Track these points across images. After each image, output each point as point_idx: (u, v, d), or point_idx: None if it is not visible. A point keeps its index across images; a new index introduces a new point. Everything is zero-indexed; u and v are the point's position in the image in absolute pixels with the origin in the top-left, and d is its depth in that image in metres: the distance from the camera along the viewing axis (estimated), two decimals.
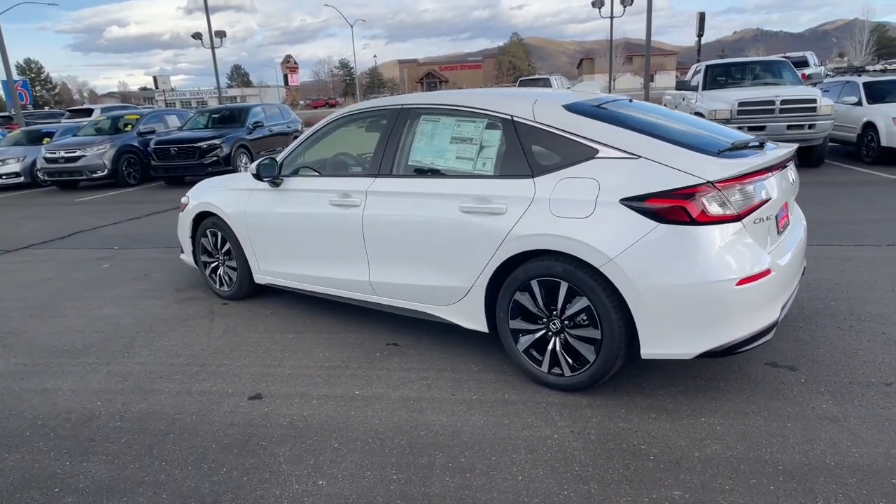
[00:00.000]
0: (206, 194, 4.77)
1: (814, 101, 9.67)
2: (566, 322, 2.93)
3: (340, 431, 2.79)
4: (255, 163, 4.17)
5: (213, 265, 4.88)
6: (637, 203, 2.66)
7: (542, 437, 2.65)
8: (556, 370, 3.01)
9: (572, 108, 3.09)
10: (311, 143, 4.14)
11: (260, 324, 4.25)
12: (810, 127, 9.63)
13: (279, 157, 4.21)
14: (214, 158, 12.33)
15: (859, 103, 10.60)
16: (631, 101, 3.63)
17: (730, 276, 2.55)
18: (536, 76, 27.57)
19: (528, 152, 3.05)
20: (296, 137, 15.70)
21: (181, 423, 2.94)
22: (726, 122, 9.90)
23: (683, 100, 12.52)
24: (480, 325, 3.27)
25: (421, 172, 3.45)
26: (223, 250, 4.72)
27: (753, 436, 2.55)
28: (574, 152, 2.92)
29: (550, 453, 2.52)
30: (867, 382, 2.94)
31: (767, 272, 2.65)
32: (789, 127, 9.66)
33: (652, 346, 2.70)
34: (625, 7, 27.43)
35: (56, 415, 3.10)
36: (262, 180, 4.12)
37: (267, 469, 2.53)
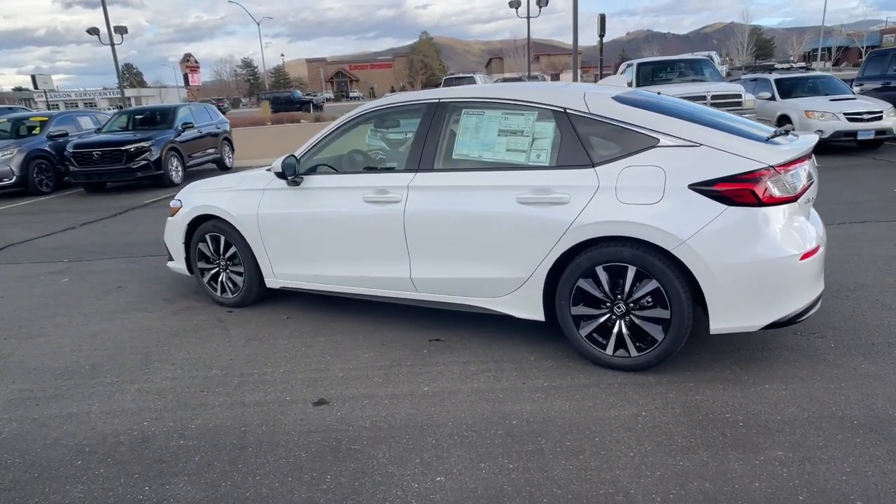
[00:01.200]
0: (204, 196, 4.50)
1: (739, 95, 10.53)
2: (631, 305, 3.06)
3: (431, 428, 2.76)
4: (279, 161, 4.00)
5: (212, 272, 4.61)
6: (706, 188, 2.83)
7: (631, 415, 2.76)
8: (620, 352, 3.13)
9: (622, 100, 3.23)
10: (332, 140, 4.02)
11: (282, 329, 4.08)
12: None
13: (296, 155, 4.06)
14: (144, 163, 11.51)
15: (773, 98, 11.64)
16: (659, 93, 3.82)
17: (794, 251, 2.79)
18: (461, 74, 27.95)
19: (585, 143, 3.15)
20: (227, 139, 15.23)
21: (253, 436, 2.78)
22: None
23: None
24: (537, 314, 3.33)
25: (467, 165, 3.46)
26: (226, 255, 4.47)
27: (818, 397, 2.80)
28: (634, 142, 3.05)
29: (647, 429, 2.64)
30: (888, 343, 3.29)
31: (819, 247, 2.91)
32: None
33: (721, 322, 2.88)
34: (540, 8, 28.41)
35: (102, 439, 2.83)
36: (287, 179, 3.94)
37: (375, 472, 2.46)
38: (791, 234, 2.82)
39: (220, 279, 4.59)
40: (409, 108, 3.79)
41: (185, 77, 76.98)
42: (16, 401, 3.27)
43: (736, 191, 2.78)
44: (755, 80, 12.80)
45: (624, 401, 2.88)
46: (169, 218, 4.78)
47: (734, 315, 2.86)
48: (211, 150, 13.84)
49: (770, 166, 2.79)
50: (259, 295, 4.47)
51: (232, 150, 14.86)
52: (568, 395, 2.97)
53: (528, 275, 3.27)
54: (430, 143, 3.56)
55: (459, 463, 2.49)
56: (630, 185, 2.97)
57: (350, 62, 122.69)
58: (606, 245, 3.03)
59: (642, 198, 2.92)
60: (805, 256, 2.81)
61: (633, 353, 3.10)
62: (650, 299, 3.00)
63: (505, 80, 26.06)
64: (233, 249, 4.41)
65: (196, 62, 79.84)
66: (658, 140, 3.00)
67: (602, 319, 3.14)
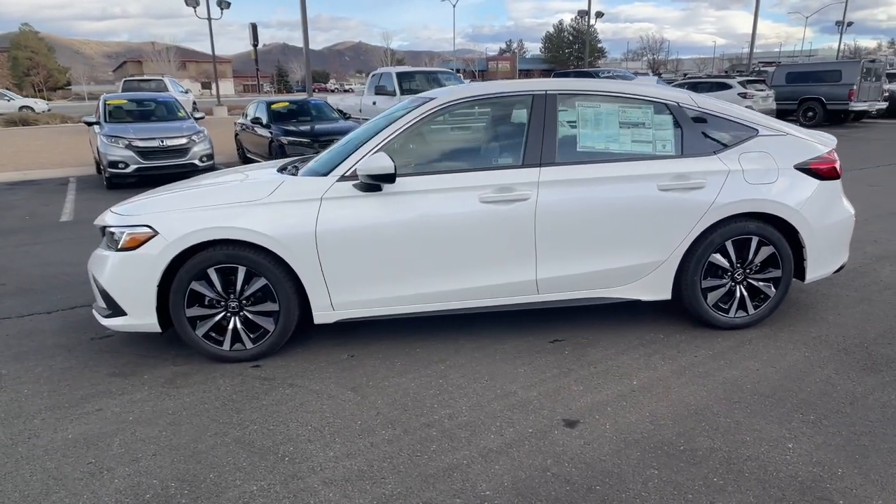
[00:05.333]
0: (205, 216, 3.23)
1: None
2: (748, 270, 3.60)
3: (710, 408, 2.79)
4: (362, 161, 3.19)
5: (215, 319, 3.37)
6: (805, 166, 3.55)
7: (811, 365, 3.30)
8: (740, 313, 3.64)
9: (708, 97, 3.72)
10: (408, 136, 3.43)
11: (378, 371, 3.31)
12: None
13: (360, 155, 3.33)
14: None
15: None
16: None
17: (853, 212, 3.73)
18: (147, 76, 24.08)
19: (702, 134, 3.53)
20: None
21: (584, 476, 2.35)
22: None
23: (374, 103, 13.56)
24: (665, 294, 3.59)
25: (595, 157, 3.45)
26: (245, 292, 3.34)
27: None
28: (741, 132, 3.58)
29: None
30: None
31: None
32: None
33: (814, 272, 3.66)
34: (222, 10, 26.62)
35: None
36: (378, 182, 3.20)
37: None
38: (848, 199, 3.78)
39: (229, 327, 3.39)
40: (506, 100, 3.53)
41: None
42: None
43: (825, 168, 3.58)
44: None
45: (783, 346, 3.41)
46: (119, 253, 3.28)
47: (821, 265, 3.67)
48: None
49: (833, 149, 3.68)
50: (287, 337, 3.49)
51: None
52: (753, 357, 3.32)
53: (667, 257, 3.50)
54: (547, 135, 3.42)
55: (825, 430, 2.63)
56: (752, 168, 3.49)
57: None
58: (735, 221, 3.49)
59: (764, 178, 3.48)
60: (853, 216, 3.80)
61: (751, 311, 3.64)
62: (763, 263, 3.58)
63: (143, 82, 23.55)
64: (259, 283, 3.32)
65: None
66: (758, 130, 3.60)
67: (727, 288, 3.60)
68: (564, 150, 3.44)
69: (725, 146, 3.55)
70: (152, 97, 12.31)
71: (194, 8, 26.42)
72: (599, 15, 32.80)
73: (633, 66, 70.88)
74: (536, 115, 3.45)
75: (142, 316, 3.33)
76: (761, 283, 3.62)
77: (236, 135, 13.81)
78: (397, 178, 3.27)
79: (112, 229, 3.38)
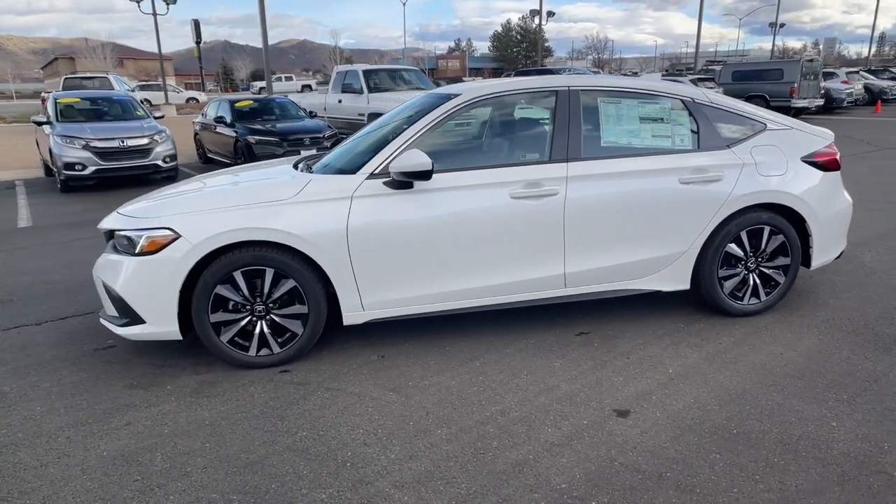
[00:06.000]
0: (230, 216, 3.10)
1: None
2: (760, 259, 3.74)
3: (767, 388, 2.88)
4: (395, 158, 3.14)
5: (241, 324, 3.25)
6: (810, 158, 3.72)
7: (828, 347, 3.47)
8: (753, 300, 3.79)
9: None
10: (432, 132, 3.39)
11: (414, 370, 3.26)
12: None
13: (389, 152, 3.28)
14: None
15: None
16: None
17: (851, 201, 3.94)
18: (90, 74, 22.84)
19: (716, 128, 3.65)
20: None
21: (651, 464, 2.39)
22: None
23: (340, 101, 13.36)
24: (684, 284, 3.69)
25: (618, 152, 3.51)
26: (272, 295, 3.23)
27: None
28: (750, 126, 3.72)
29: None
30: None
31: None
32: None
33: (819, 259, 3.84)
34: (168, 5, 25.62)
35: None
36: (411, 180, 3.15)
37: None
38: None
39: (256, 331, 3.27)
40: (532, 96, 3.55)
41: None
42: None
43: (828, 160, 3.77)
44: None
45: (797, 330, 3.56)
46: (137, 258, 3.11)
47: (825, 252, 3.86)
48: None
49: (832, 142, 3.87)
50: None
51: None
52: (765, 341, 3.46)
53: (687, 248, 3.60)
54: (573, 131, 3.46)
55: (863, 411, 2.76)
56: (763, 161, 3.63)
57: None
58: (750, 212, 3.62)
59: (775, 170, 3.63)
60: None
61: (764, 297, 3.79)
62: (774, 252, 3.73)
63: (86, 79, 22.61)
64: (287, 285, 3.22)
65: None
66: (765, 125, 3.75)
67: (741, 276, 3.74)
68: (589, 145, 3.49)
69: (738, 140, 3.68)
70: (107, 95, 11.72)
71: (138, 3, 25.31)
72: (551, 14, 33.37)
73: (578, 64, 72.53)
74: (561, 110, 3.48)
75: (162, 323, 3.18)
76: (772, 271, 3.78)
77: (196, 134, 13.33)
78: None
79: (125, 233, 3.21)
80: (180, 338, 3.23)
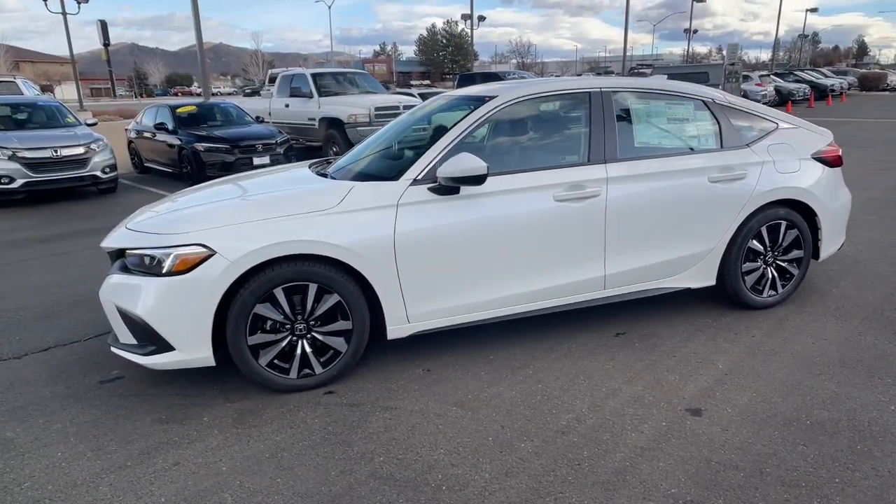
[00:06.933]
0: (272, 229, 2.86)
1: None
2: (776, 253, 3.89)
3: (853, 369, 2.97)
4: (445, 163, 3.00)
5: (281, 345, 3.01)
6: (818, 155, 3.91)
7: (852, 334, 3.63)
8: (771, 292, 3.93)
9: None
10: (471, 135, 3.29)
11: (467, 383, 3.14)
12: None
13: (431, 157, 3.15)
14: None
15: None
16: None
17: (850, 195, 4.17)
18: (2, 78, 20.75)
19: (735, 127, 3.76)
20: None
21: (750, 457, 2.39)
22: (367, 124, 11.19)
23: (287, 106, 12.88)
24: (710, 280, 3.78)
25: (649, 152, 3.54)
26: (317, 312, 3.02)
27: None
28: (764, 125, 3.86)
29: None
30: None
31: None
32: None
33: (826, 250, 4.04)
34: (80, 4, 23.91)
35: None
36: (459, 185, 3.03)
37: None
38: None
39: (297, 352, 3.04)
40: (567, 97, 3.52)
41: None
42: None
43: (833, 157, 3.97)
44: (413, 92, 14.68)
45: (817, 320, 3.72)
46: (166, 279, 2.81)
47: (831, 244, 4.06)
48: None
49: (832, 140, 4.08)
50: None
51: None
52: (792, 332, 3.59)
53: (714, 245, 3.68)
54: (608, 132, 3.45)
55: None
56: (779, 158, 3.77)
57: None
58: (769, 208, 3.76)
59: (790, 167, 3.78)
60: None
61: (780, 290, 3.94)
62: (789, 245, 3.89)
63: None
64: (331, 300, 3.02)
65: None
66: (777, 124, 3.90)
67: (762, 269, 3.87)
68: (624, 145, 3.50)
69: (755, 139, 3.81)
70: (31, 101, 10.73)
71: (45, 1, 23.45)
72: (482, 19, 33.81)
73: (500, 68, 73.99)
74: (596, 111, 3.47)
75: (194, 350, 2.89)
76: (786, 264, 3.94)
77: (129, 143, 12.46)
78: None
79: (146, 251, 2.89)
80: (213, 364, 2.95)
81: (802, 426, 2.65)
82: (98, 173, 9.32)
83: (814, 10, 54.78)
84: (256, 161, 10.31)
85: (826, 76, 29.45)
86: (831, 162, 3.98)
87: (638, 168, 3.47)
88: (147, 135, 11.53)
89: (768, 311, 3.90)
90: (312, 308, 3.01)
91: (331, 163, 3.97)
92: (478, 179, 3.02)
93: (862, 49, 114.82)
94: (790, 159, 3.82)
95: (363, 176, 3.37)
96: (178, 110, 11.25)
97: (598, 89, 3.53)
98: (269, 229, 2.88)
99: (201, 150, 10.00)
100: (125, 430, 2.80)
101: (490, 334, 3.63)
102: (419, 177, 3.13)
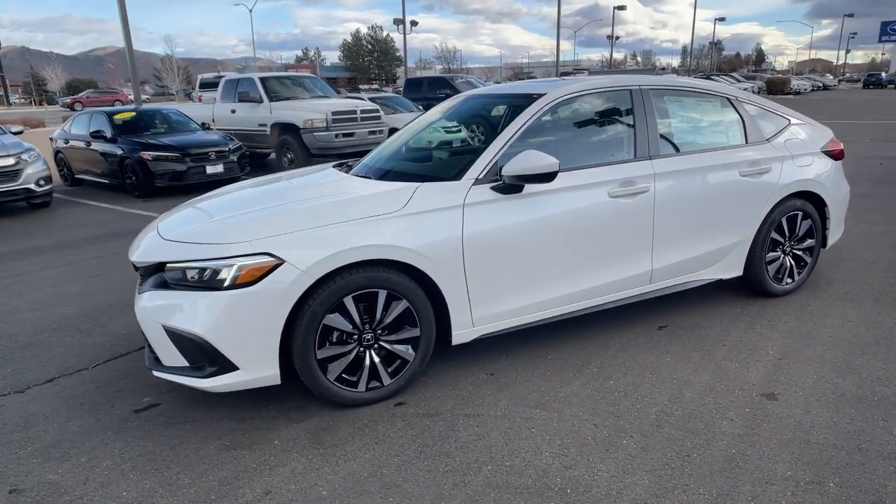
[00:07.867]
0: (341, 234, 2.69)
1: (377, 110, 11.91)
2: (793, 242, 4.10)
3: None
4: (512, 161, 2.93)
5: (349, 357, 2.83)
6: (826, 150, 4.16)
7: (870, 314, 3.87)
8: (789, 280, 4.13)
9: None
10: (525, 132, 3.24)
11: (539, 384, 3.08)
12: (380, 132, 11.80)
13: (490, 156, 3.08)
14: None
15: (394, 111, 13.69)
16: None
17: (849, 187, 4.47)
18: None
19: (756, 123, 3.93)
20: None
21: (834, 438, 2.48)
22: (324, 129, 10.91)
23: (234, 112, 12.32)
24: (738, 271, 3.92)
25: (686, 148, 3.63)
26: (386, 320, 2.87)
27: None
28: (779, 121, 4.06)
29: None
30: None
31: None
32: (370, 132, 11.56)
33: (832, 238, 4.30)
34: None
35: None
36: (524, 183, 2.98)
37: None
38: None
39: (365, 363, 2.88)
40: (611, 94, 3.54)
41: None
42: None
43: (837, 151, 4.23)
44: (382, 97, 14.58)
45: (834, 303, 3.95)
46: (229, 292, 2.58)
47: (835, 233, 4.33)
48: None
49: (834, 135, 4.36)
50: None
51: None
52: (819, 315, 3.78)
53: (742, 237, 3.83)
54: (651, 128, 3.51)
55: None
56: (796, 153, 3.98)
57: None
58: (788, 200, 3.95)
59: (805, 161, 4.00)
60: None
61: (798, 277, 4.15)
62: (804, 234, 4.11)
63: None
64: (400, 307, 2.88)
65: None
66: (790, 120, 4.12)
67: (781, 258, 4.06)
68: (665, 141, 3.57)
69: (774, 134, 4.00)
70: None
71: None
72: (414, 24, 33.82)
73: (425, 73, 74.42)
74: (638, 108, 3.52)
75: (261, 368, 2.67)
76: (802, 253, 4.16)
77: (57, 153, 11.48)
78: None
79: (197, 264, 2.64)
80: (279, 382, 2.74)
81: (872, 402, 2.78)
82: (32, 186, 8.54)
83: (722, 20, 58.59)
84: (210, 170, 9.78)
85: (738, 80, 31.67)
86: (836, 155, 4.25)
87: (680, 163, 3.55)
88: (79, 144, 10.67)
89: (789, 297, 4.10)
90: (382, 316, 2.86)
91: (352, 166, 3.81)
92: (548, 177, 2.97)
93: (760, 56, 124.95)
94: (804, 153, 4.04)
95: (417, 177, 3.24)
96: (116, 117, 10.48)
97: (637, 87, 3.58)
98: (338, 235, 2.71)
99: (148, 160, 9.36)
100: (190, 461, 2.54)
101: (539, 335, 3.60)
102: (480, 176, 3.05)
